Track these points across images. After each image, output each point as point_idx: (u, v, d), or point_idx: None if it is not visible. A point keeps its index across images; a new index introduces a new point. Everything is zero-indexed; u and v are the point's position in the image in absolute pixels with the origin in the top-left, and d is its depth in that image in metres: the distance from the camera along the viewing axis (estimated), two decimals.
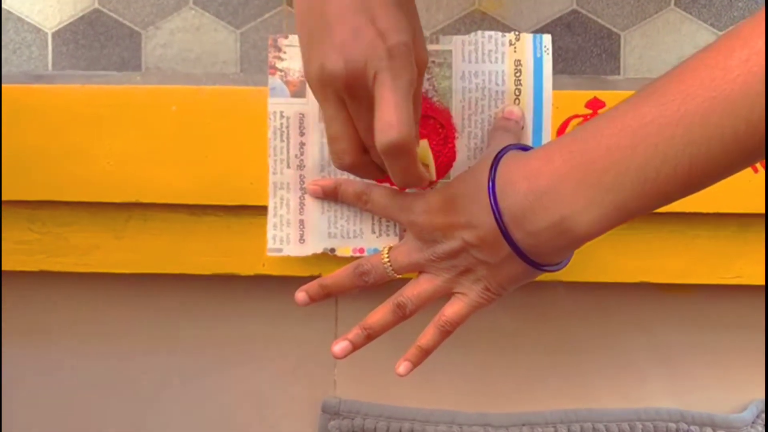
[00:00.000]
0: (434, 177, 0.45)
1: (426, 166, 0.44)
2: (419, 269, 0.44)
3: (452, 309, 0.43)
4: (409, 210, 0.44)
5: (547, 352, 0.56)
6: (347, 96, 0.38)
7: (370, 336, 0.45)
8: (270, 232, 0.49)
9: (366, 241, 0.49)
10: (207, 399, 0.56)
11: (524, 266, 0.41)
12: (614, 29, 0.66)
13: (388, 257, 0.45)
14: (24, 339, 0.56)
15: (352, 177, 0.48)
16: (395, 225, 0.49)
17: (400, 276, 0.45)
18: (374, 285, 0.45)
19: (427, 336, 0.44)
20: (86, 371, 0.56)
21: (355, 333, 0.45)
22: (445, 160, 0.48)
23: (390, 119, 0.36)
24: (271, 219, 0.49)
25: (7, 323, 0.56)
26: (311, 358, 0.56)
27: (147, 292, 0.55)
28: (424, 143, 0.45)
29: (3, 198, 0.51)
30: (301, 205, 0.49)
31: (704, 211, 0.50)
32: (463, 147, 0.48)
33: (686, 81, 0.34)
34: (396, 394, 0.56)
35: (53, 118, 0.50)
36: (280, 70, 0.48)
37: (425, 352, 0.44)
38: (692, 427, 0.54)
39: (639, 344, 0.56)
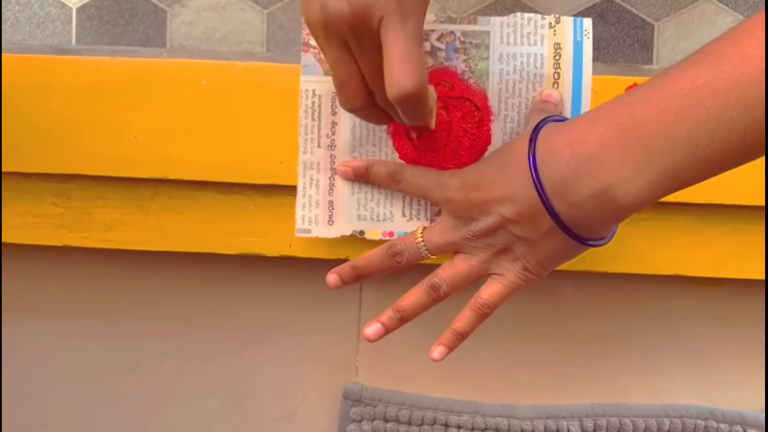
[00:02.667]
0: (433, 125, 0.44)
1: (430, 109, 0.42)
2: (454, 249, 0.43)
3: (489, 290, 0.42)
4: (445, 187, 0.43)
5: (574, 345, 0.55)
6: (351, 38, 0.37)
7: (403, 319, 0.44)
8: (299, 212, 0.48)
9: (396, 224, 0.48)
10: (227, 381, 0.55)
11: (566, 241, 0.39)
12: (648, 19, 0.65)
13: (422, 237, 0.44)
14: (45, 314, 0.55)
15: (383, 158, 0.47)
16: (426, 209, 0.48)
17: (434, 257, 0.44)
18: (407, 266, 0.44)
19: (462, 319, 0.43)
20: (107, 349, 0.56)
21: (387, 315, 0.44)
22: (480, 143, 0.47)
23: (401, 70, 0.36)
24: (300, 199, 0.48)
25: (29, 298, 0.55)
26: (334, 343, 0.55)
27: (170, 271, 0.54)
28: (430, 87, 0.43)
29: (28, 171, 0.50)
30: (331, 185, 0.48)
31: (742, 203, 0.49)
32: (498, 130, 0.47)
33: (742, 42, 0.33)
34: (419, 382, 0.55)
35: (81, 90, 0.49)
36: (314, 47, 0.47)
37: (461, 336, 0.43)
38: (722, 425, 0.53)
39: (668, 339, 0.55)
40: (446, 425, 0.53)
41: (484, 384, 0.55)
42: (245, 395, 0.56)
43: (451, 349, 0.44)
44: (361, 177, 0.47)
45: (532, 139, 0.39)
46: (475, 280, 0.43)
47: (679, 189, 0.36)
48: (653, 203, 0.37)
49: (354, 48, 0.37)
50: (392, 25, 0.36)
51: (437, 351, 0.43)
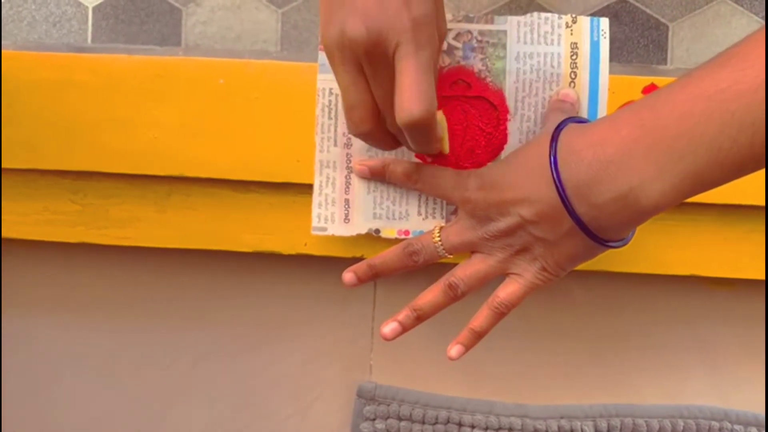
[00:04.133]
0: (447, 149, 0.44)
1: (440, 138, 0.43)
2: (472, 249, 0.43)
3: (507, 290, 0.42)
4: (463, 187, 0.43)
5: (588, 345, 0.55)
6: (366, 63, 0.37)
7: (420, 317, 0.44)
8: (315, 210, 0.48)
9: (411, 223, 0.48)
10: (241, 378, 0.56)
11: (585, 242, 0.39)
12: (662, 20, 0.65)
13: (439, 236, 0.44)
14: (61, 310, 0.56)
15: (400, 157, 0.47)
16: (442, 207, 0.48)
17: (451, 256, 0.44)
18: (424, 265, 0.44)
19: (480, 318, 0.43)
20: (122, 345, 0.56)
21: (404, 314, 0.44)
22: (496, 142, 0.47)
23: (412, 96, 0.36)
24: (316, 197, 0.48)
25: (45, 294, 0.55)
26: (348, 341, 0.55)
27: (186, 268, 0.55)
28: (440, 114, 0.44)
29: (45, 168, 0.50)
30: (347, 184, 0.48)
31: (759, 204, 0.48)
32: (515, 129, 0.47)
33: (765, 46, 0.33)
34: (433, 381, 0.55)
35: (98, 88, 0.50)
36: None
37: (478, 335, 0.43)
38: (736, 426, 0.53)
39: (683, 339, 0.54)
40: (460, 424, 0.53)
41: (498, 383, 0.55)
42: (259, 392, 0.56)
43: (468, 348, 0.44)
44: (378, 176, 0.47)
45: (554, 139, 0.39)
46: (492, 280, 0.43)
47: (701, 192, 0.36)
48: (676, 204, 0.37)
49: (368, 72, 0.38)
50: (406, 52, 0.36)
51: (454, 349, 0.44)
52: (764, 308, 0.54)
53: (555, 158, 0.38)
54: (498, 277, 0.43)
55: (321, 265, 0.52)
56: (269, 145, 0.49)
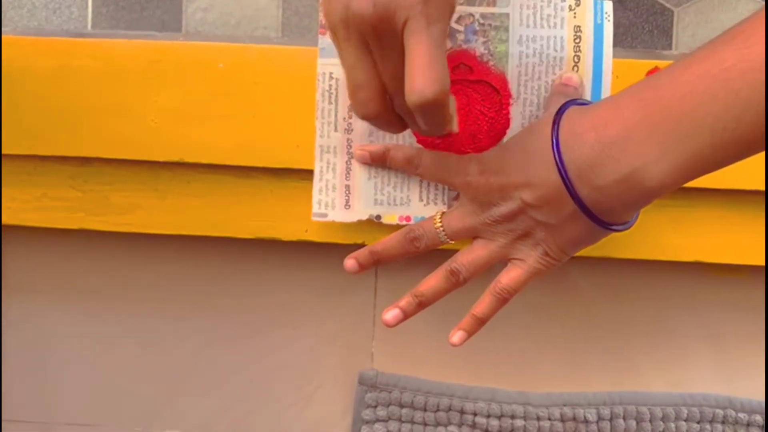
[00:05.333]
0: (457, 129, 0.41)
1: (451, 118, 0.41)
2: (474, 234, 0.43)
3: (509, 276, 0.42)
4: (464, 172, 0.42)
5: (592, 332, 0.55)
6: (373, 40, 0.35)
7: (422, 303, 0.44)
8: (315, 196, 0.47)
9: (413, 209, 0.47)
10: (243, 365, 0.55)
11: (588, 226, 0.39)
12: (667, 5, 0.64)
13: (440, 222, 0.43)
14: (61, 297, 0.56)
15: (401, 142, 0.47)
16: (444, 193, 0.47)
17: (453, 242, 0.44)
18: (425, 251, 0.44)
19: (482, 304, 0.43)
20: (123, 332, 0.56)
21: (406, 300, 0.44)
22: (498, 126, 0.47)
23: (423, 75, 0.34)
24: (316, 183, 0.47)
25: (46, 281, 0.55)
26: (349, 328, 0.55)
27: (187, 254, 0.54)
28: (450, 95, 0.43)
29: (45, 154, 0.50)
30: (348, 170, 0.48)
31: (765, 189, 0.48)
32: (517, 114, 0.46)
33: None
34: (434, 369, 0.54)
35: (98, 73, 0.49)
36: None
37: (480, 321, 0.43)
38: (740, 414, 0.52)
39: (688, 326, 0.54)
40: (462, 412, 0.53)
41: (500, 371, 0.55)
42: (260, 380, 0.56)
43: (470, 334, 0.43)
44: (379, 161, 0.47)
45: (556, 122, 0.39)
46: (494, 266, 0.43)
47: (706, 173, 0.36)
48: (679, 187, 0.36)
49: (375, 50, 0.36)
50: (417, 28, 0.34)
51: (456, 336, 0.43)
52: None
53: (557, 141, 0.38)
54: (500, 262, 0.43)
55: (322, 252, 0.52)
56: (269, 130, 0.49)
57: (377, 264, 0.45)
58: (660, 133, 0.35)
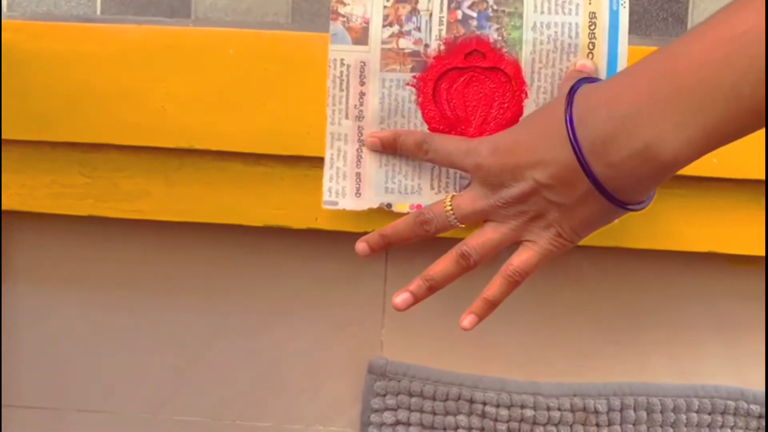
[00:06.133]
0: None
1: None
2: (484, 217, 0.42)
3: (520, 258, 0.41)
4: (475, 153, 0.42)
5: (603, 322, 0.54)
6: None
7: (432, 288, 0.43)
8: (326, 184, 0.47)
9: (424, 197, 0.47)
10: (253, 354, 0.55)
11: (602, 205, 0.38)
12: None
13: (450, 205, 0.43)
14: (70, 284, 0.56)
15: (412, 129, 0.47)
16: (455, 182, 0.47)
17: (463, 226, 0.43)
18: (435, 234, 0.44)
19: (493, 287, 0.42)
20: (132, 319, 0.56)
21: (416, 284, 0.43)
22: (511, 114, 0.46)
23: None
24: (327, 171, 0.47)
25: (54, 267, 0.55)
26: (359, 317, 0.55)
27: (196, 242, 0.54)
28: None
29: (55, 140, 0.50)
30: (359, 157, 0.47)
31: None
32: (531, 102, 0.46)
33: None
34: (444, 358, 0.54)
35: (108, 59, 0.49)
36: (342, 16, 0.46)
37: (492, 305, 0.42)
38: (752, 406, 0.52)
39: (699, 317, 0.54)
40: (471, 401, 0.53)
41: (510, 361, 0.54)
42: (270, 368, 0.55)
43: (481, 318, 0.43)
44: (389, 148, 0.46)
45: (569, 100, 0.38)
46: (505, 249, 0.42)
47: (722, 144, 0.34)
48: (695, 160, 0.35)
49: None
50: None
51: (467, 319, 0.43)
52: None
53: (570, 118, 0.37)
54: (511, 245, 0.42)
55: (332, 240, 0.51)
56: (280, 117, 0.48)
57: (388, 247, 0.45)
58: (674, 105, 0.34)
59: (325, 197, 0.47)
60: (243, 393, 0.56)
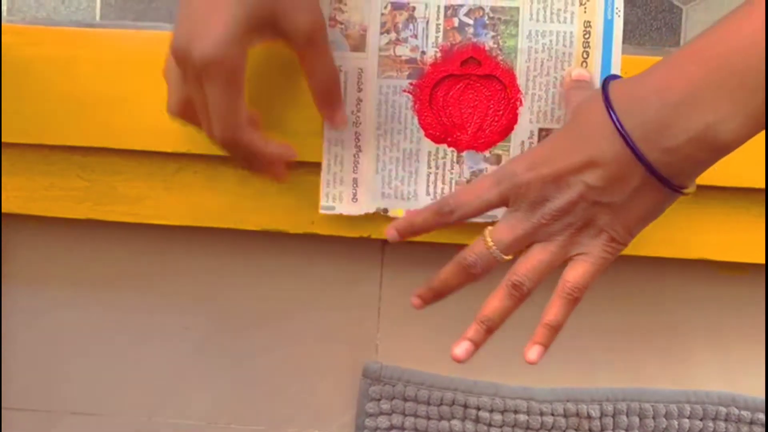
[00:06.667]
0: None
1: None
2: (530, 240, 0.40)
3: (575, 273, 0.39)
4: (510, 175, 0.40)
5: (596, 328, 0.55)
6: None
7: (490, 329, 0.41)
8: (323, 189, 0.48)
9: (420, 203, 0.48)
10: (247, 357, 0.56)
11: (657, 195, 0.38)
12: (676, 2, 0.64)
13: (491, 240, 0.40)
14: (68, 286, 0.56)
15: (408, 135, 0.47)
16: (450, 187, 0.47)
17: (510, 257, 0.41)
18: (484, 275, 0.41)
19: (553, 310, 0.40)
20: (128, 322, 0.56)
21: (474, 330, 0.41)
22: (506, 121, 0.47)
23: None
24: (324, 176, 0.48)
25: (52, 270, 0.56)
26: (354, 321, 0.55)
27: (193, 246, 0.54)
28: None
29: (53, 143, 0.50)
30: (355, 163, 0.48)
31: None
32: (526, 109, 0.46)
33: None
34: (439, 362, 0.54)
35: (107, 63, 0.49)
36: (340, 23, 0.47)
37: (555, 329, 0.41)
38: (743, 412, 0.52)
39: (691, 324, 0.54)
40: (465, 406, 0.53)
41: (504, 366, 0.55)
42: (265, 371, 0.56)
43: (547, 346, 0.41)
44: (410, 235, 0.43)
45: (606, 96, 0.38)
46: (557, 268, 0.41)
47: None
48: (750, 139, 0.36)
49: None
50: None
51: (533, 351, 0.41)
52: None
53: (613, 111, 0.37)
54: (563, 263, 0.40)
55: (328, 245, 0.52)
56: (276, 122, 0.49)
57: (439, 298, 0.43)
58: (729, 87, 0.34)
59: (323, 202, 0.48)
60: (237, 396, 0.56)
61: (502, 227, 0.40)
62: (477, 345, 0.42)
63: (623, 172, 0.37)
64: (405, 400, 0.53)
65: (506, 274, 0.41)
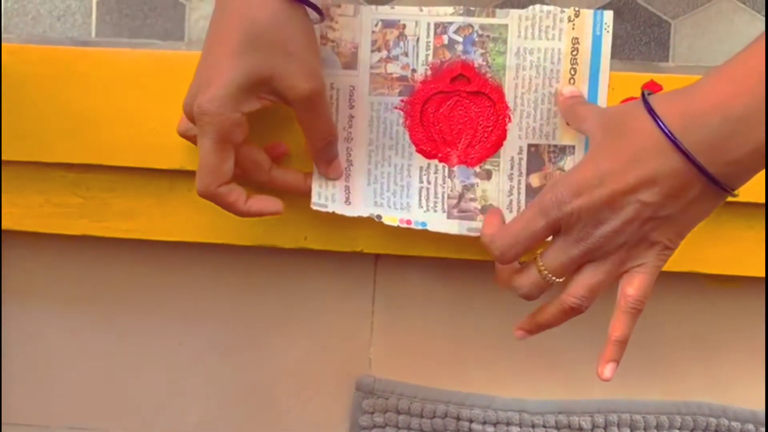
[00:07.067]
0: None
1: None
2: (582, 261, 0.40)
3: (635, 286, 0.40)
4: (557, 204, 0.39)
5: (587, 340, 0.55)
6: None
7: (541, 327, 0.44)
8: (315, 189, 0.47)
9: (413, 214, 0.47)
10: (241, 371, 0.56)
11: (714, 199, 0.38)
12: (665, 17, 0.64)
13: (543, 266, 0.41)
14: (62, 302, 0.56)
15: (399, 150, 0.48)
16: (443, 201, 0.48)
17: (561, 279, 0.41)
18: (541, 293, 0.42)
19: (620, 326, 0.41)
20: (123, 337, 0.56)
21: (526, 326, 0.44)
22: (495, 138, 0.47)
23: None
24: (316, 179, 0.47)
25: (47, 286, 0.56)
26: (347, 335, 0.55)
27: (187, 261, 0.55)
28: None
29: (49, 161, 0.51)
30: (347, 175, 0.48)
31: (758, 201, 0.48)
32: (514, 125, 0.47)
33: None
34: (431, 375, 0.55)
35: (100, 81, 0.50)
36: (332, 41, 0.47)
37: (624, 344, 0.41)
38: (734, 423, 0.53)
39: (681, 336, 0.55)
40: (458, 418, 0.53)
41: (496, 378, 0.55)
42: (259, 385, 0.56)
43: (619, 360, 0.42)
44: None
45: (650, 113, 0.38)
46: (613, 284, 0.41)
47: None
48: None
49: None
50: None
51: (609, 369, 0.41)
52: (762, 305, 0.54)
53: (666, 128, 0.37)
54: (618, 279, 0.41)
55: (321, 259, 0.52)
56: (268, 138, 0.49)
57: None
58: None
59: (315, 199, 0.47)
60: (232, 410, 0.56)
61: (553, 252, 0.41)
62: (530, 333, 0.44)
63: (682, 186, 0.38)
64: (398, 413, 0.54)
65: (560, 294, 0.41)
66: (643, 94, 0.40)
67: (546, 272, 0.41)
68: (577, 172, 0.40)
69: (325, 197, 0.47)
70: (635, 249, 0.40)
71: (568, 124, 0.46)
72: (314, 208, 0.47)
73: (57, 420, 0.57)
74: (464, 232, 0.47)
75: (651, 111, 0.38)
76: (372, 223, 0.48)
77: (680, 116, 0.37)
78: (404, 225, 0.47)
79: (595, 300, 0.41)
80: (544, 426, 0.53)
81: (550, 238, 0.41)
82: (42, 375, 0.57)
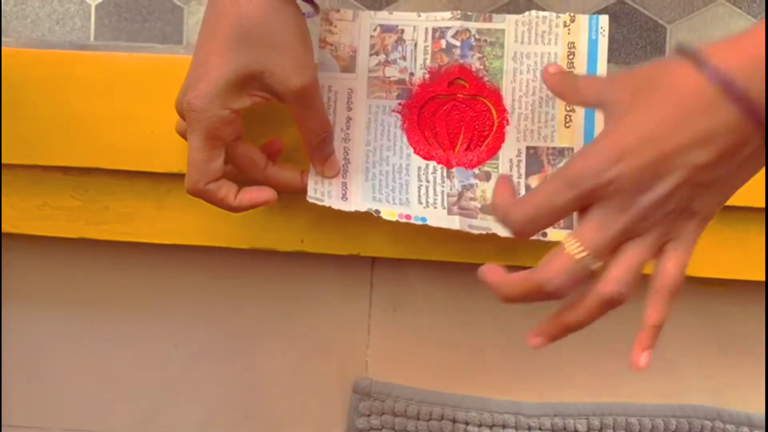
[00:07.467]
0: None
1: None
2: (623, 238, 0.35)
3: (673, 264, 0.36)
4: (593, 173, 0.34)
5: (582, 343, 0.55)
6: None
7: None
8: (311, 184, 0.46)
9: (412, 209, 0.46)
10: (238, 374, 0.56)
11: (762, 157, 0.34)
12: (661, 21, 0.65)
13: (579, 248, 0.35)
14: (60, 305, 0.56)
15: (397, 152, 0.48)
16: (443, 198, 0.47)
17: (602, 263, 0.36)
18: (573, 288, 0.37)
19: (657, 310, 0.37)
20: (119, 340, 0.56)
21: (559, 327, 0.39)
22: (492, 141, 0.48)
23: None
24: (312, 176, 0.46)
25: (44, 289, 0.56)
26: (344, 338, 0.55)
27: (185, 264, 0.55)
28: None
29: (47, 164, 0.51)
30: (345, 172, 0.47)
31: (753, 205, 0.49)
32: (512, 128, 0.47)
33: None
34: (428, 378, 0.55)
35: (98, 85, 0.50)
36: (330, 44, 0.48)
37: (659, 329, 0.37)
38: (728, 426, 0.53)
39: (677, 339, 0.55)
40: (454, 421, 0.54)
41: (492, 380, 0.55)
42: (255, 388, 0.56)
43: (653, 348, 0.38)
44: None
45: (701, 65, 0.33)
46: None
47: None
48: None
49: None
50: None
51: (645, 357, 0.37)
52: (759, 309, 0.54)
53: (722, 78, 0.33)
54: (657, 256, 0.36)
55: (318, 262, 0.52)
56: (265, 136, 0.49)
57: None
58: None
59: (310, 193, 0.46)
60: (228, 413, 0.57)
61: (588, 229, 0.35)
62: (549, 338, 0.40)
63: (740, 142, 0.33)
64: (395, 415, 0.54)
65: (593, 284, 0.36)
66: (680, 47, 0.35)
67: (584, 255, 0.35)
68: (610, 139, 0.35)
69: (322, 193, 0.46)
70: (678, 221, 0.35)
71: (566, 101, 0.44)
72: (310, 200, 0.46)
73: (53, 422, 0.57)
74: (466, 229, 0.46)
75: (698, 61, 0.34)
76: (369, 226, 0.48)
77: (737, 64, 0.33)
78: (403, 220, 0.45)
79: (638, 287, 0.36)
80: (540, 428, 0.53)
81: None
82: (38, 376, 0.57)
